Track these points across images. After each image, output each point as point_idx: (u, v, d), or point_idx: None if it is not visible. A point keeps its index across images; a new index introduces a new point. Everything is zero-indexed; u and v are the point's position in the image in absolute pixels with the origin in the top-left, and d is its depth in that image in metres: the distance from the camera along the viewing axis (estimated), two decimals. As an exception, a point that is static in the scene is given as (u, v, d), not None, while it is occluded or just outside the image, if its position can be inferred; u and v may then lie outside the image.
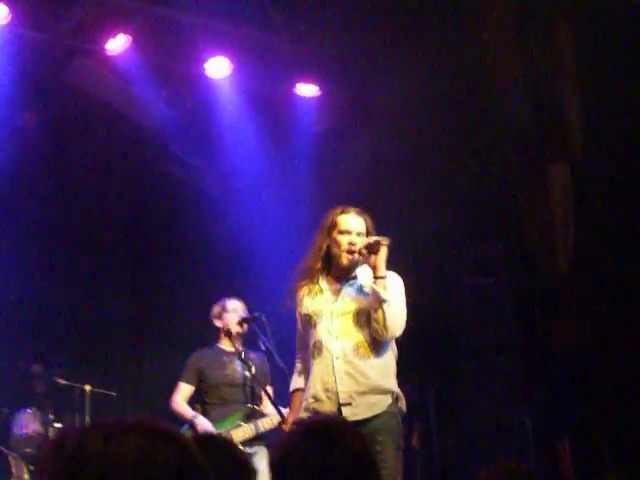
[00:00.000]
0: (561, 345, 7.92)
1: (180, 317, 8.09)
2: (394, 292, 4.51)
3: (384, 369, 4.54)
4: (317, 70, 8.17)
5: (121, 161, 8.28)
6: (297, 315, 4.74)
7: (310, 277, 4.70)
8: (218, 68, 7.82)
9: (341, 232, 4.61)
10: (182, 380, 6.16)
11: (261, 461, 5.45)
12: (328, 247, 4.65)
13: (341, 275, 4.66)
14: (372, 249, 4.45)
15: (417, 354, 7.79)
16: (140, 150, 8.26)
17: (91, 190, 8.35)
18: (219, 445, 2.26)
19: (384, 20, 7.62)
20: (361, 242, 4.52)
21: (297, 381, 4.74)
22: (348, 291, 4.62)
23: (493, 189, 8.08)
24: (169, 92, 7.96)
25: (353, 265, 4.63)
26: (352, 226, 4.61)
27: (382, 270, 4.46)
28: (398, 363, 4.62)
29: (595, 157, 7.72)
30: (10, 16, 6.73)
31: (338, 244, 4.61)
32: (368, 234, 4.60)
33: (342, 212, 4.68)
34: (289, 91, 8.29)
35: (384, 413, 4.47)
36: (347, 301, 4.59)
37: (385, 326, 4.40)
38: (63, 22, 7.27)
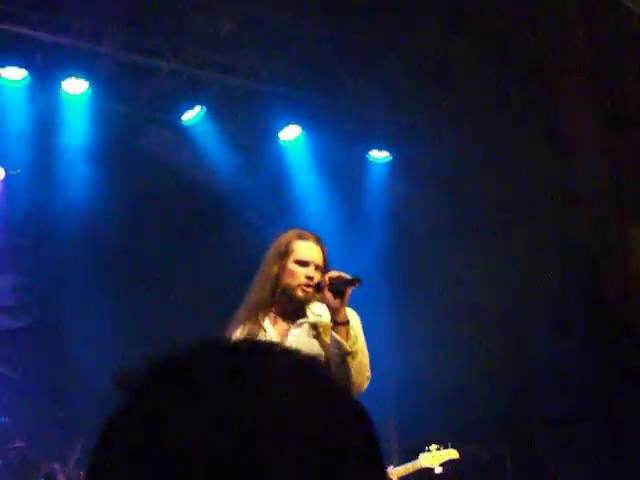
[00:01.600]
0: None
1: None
2: (359, 338, 3.78)
3: None
4: (389, 136, 8.22)
5: (196, 227, 8.40)
6: None
7: (254, 312, 3.92)
8: (291, 135, 7.93)
9: (298, 262, 3.87)
10: None
11: None
12: (278, 277, 3.90)
13: (289, 313, 3.90)
14: (339, 288, 3.69)
15: (493, 421, 7.61)
16: (214, 216, 8.37)
17: (167, 255, 8.47)
18: None
19: (454, 89, 7.65)
20: (328, 276, 3.75)
21: None
22: (297, 334, 3.85)
23: (572, 250, 7.92)
24: (243, 159, 8.09)
25: (307, 301, 3.88)
26: (311, 256, 3.88)
27: (345, 315, 3.74)
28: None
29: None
30: (90, 89, 6.95)
31: (293, 275, 3.86)
32: (324, 268, 3.90)
33: (299, 237, 3.95)
34: (361, 157, 8.35)
35: None
36: (297, 345, 3.68)
37: (349, 383, 3.69)
38: (140, 94, 7.49)
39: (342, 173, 8.36)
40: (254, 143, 8.10)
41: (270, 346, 1.01)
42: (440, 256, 8.12)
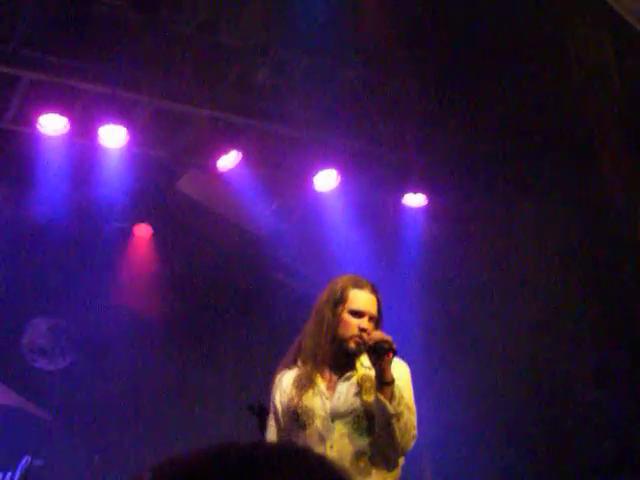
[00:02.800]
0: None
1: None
2: (404, 398, 3.62)
3: None
4: (425, 181, 8.20)
5: (231, 269, 8.44)
6: (272, 407, 3.84)
7: (303, 359, 3.79)
8: (326, 180, 7.94)
9: (352, 312, 3.73)
10: None
11: None
12: (331, 326, 3.75)
13: (339, 363, 3.75)
14: (379, 351, 3.56)
15: (531, 470, 7.48)
16: (250, 259, 8.41)
17: (204, 297, 8.52)
18: None
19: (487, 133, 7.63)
20: (375, 335, 3.62)
21: None
22: (346, 387, 3.72)
23: (610, 296, 7.82)
24: (278, 204, 8.13)
25: (358, 354, 3.72)
26: (366, 307, 3.75)
27: (390, 374, 3.58)
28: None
29: None
30: (128, 136, 7.04)
31: (346, 326, 3.72)
32: (378, 319, 3.79)
33: (355, 285, 3.79)
34: (397, 201, 8.33)
35: None
36: (345, 400, 3.69)
37: (395, 444, 3.58)
38: (176, 141, 7.57)
39: (377, 217, 8.36)
40: (289, 188, 8.14)
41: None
42: (477, 299, 8.06)
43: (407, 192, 8.30)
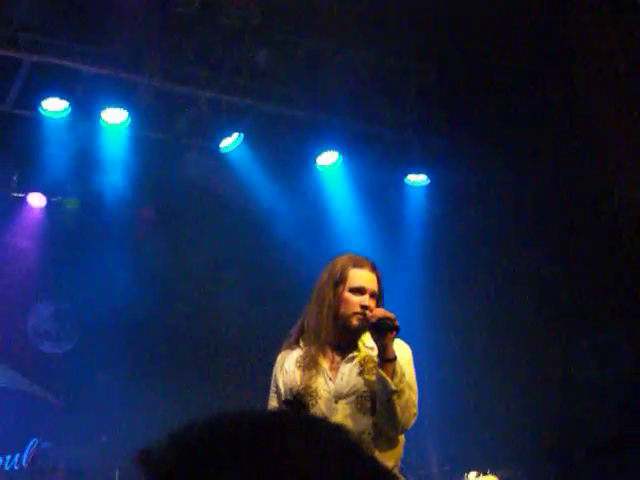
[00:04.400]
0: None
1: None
2: (406, 376, 3.63)
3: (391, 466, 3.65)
4: (427, 161, 8.21)
5: (232, 250, 8.47)
6: (273, 387, 3.84)
7: (306, 339, 3.79)
8: (329, 161, 7.95)
9: (352, 290, 3.71)
10: None
11: None
12: (332, 305, 3.73)
13: (341, 342, 3.75)
14: (382, 328, 3.57)
15: (536, 447, 7.52)
16: (251, 239, 8.43)
17: (208, 277, 8.56)
18: None
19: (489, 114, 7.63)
20: (377, 312, 3.61)
21: None
22: (349, 367, 3.71)
23: (614, 274, 7.83)
24: (281, 185, 8.14)
25: (361, 331, 3.73)
26: (367, 284, 3.72)
27: (392, 351, 3.58)
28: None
29: None
30: (129, 118, 7.05)
31: (347, 304, 3.70)
32: (379, 296, 3.77)
33: (354, 265, 3.76)
34: (399, 181, 8.35)
35: None
36: (348, 380, 3.68)
37: (395, 421, 3.57)
38: (178, 122, 7.58)
39: (380, 197, 8.38)
40: (292, 169, 8.15)
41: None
42: (478, 277, 8.09)
43: (409, 172, 8.32)
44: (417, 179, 8.35)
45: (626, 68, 7.04)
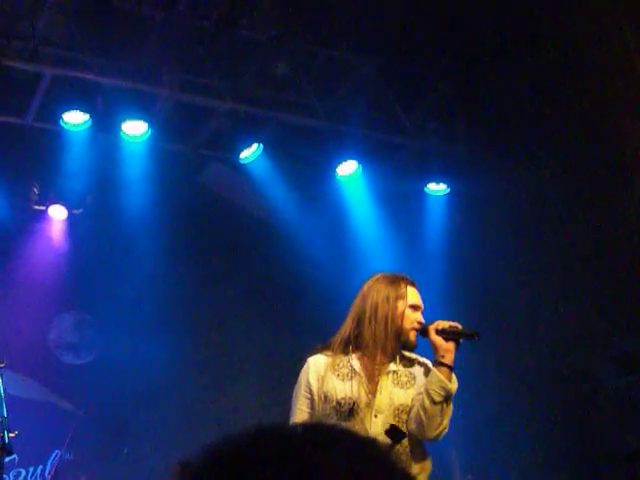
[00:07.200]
0: None
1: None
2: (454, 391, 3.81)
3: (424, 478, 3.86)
4: (447, 170, 8.18)
5: (252, 259, 8.47)
6: (305, 391, 3.94)
7: (361, 353, 3.93)
8: (349, 171, 7.94)
9: (411, 306, 3.98)
10: None
11: None
12: (395, 319, 3.94)
13: (387, 357, 3.93)
14: (453, 337, 3.83)
15: (555, 458, 7.45)
16: (273, 251, 8.44)
17: (228, 290, 8.57)
18: None
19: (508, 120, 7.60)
20: (439, 326, 3.86)
21: None
22: (387, 381, 3.88)
23: (636, 283, 7.76)
24: (301, 195, 8.14)
25: (415, 346, 3.99)
26: (420, 302, 4.04)
27: (452, 359, 3.80)
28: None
29: None
30: (149, 131, 7.08)
31: (408, 319, 3.95)
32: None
33: (409, 282, 4.06)
34: (419, 190, 8.33)
35: None
36: (388, 394, 3.85)
37: (437, 424, 3.74)
38: (198, 134, 7.61)
39: (400, 207, 8.35)
40: (311, 179, 8.15)
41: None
42: (499, 287, 8.04)
43: (429, 181, 8.30)
44: (437, 188, 8.31)
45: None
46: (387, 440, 3.69)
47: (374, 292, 4.00)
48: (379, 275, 4.09)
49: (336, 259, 8.59)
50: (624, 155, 7.40)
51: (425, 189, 8.34)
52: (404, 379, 3.89)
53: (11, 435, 4.81)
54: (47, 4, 6.49)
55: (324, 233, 8.40)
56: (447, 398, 3.73)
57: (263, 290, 8.66)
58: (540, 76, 7.29)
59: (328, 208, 8.36)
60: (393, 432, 3.77)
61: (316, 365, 3.95)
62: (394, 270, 6.77)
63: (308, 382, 3.91)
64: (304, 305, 8.43)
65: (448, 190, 8.31)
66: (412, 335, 3.94)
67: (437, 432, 3.77)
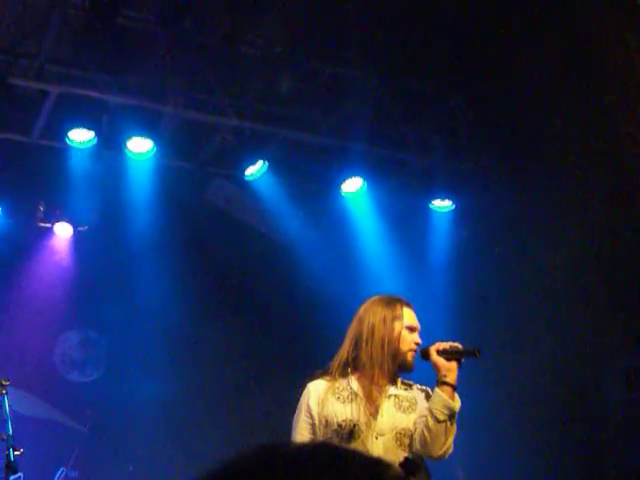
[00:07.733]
0: None
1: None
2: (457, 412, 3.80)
3: None
4: (452, 186, 8.18)
5: (258, 275, 8.48)
6: (305, 416, 3.93)
7: (359, 375, 3.93)
8: (353, 187, 7.95)
9: (407, 328, 3.95)
10: None
11: None
12: (392, 340, 3.93)
13: (386, 379, 3.93)
14: (454, 357, 3.80)
15: (562, 473, 7.42)
16: (278, 267, 8.44)
17: (234, 305, 8.56)
18: None
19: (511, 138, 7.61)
20: (440, 347, 3.83)
21: None
22: (388, 404, 3.88)
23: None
24: (306, 212, 8.15)
25: (413, 367, 3.98)
26: (417, 323, 4.01)
27: (455, 378, 3.78)
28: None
29: None
30: (154, 148, 7.10)
31: (405, 341, 3.93)
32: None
33: (405, 304, 4.03)
34: (424, 206, 8.33)
35: None
36: (389, 417, 3.86)
37: (441, 443, 3.74)
38: (203, 151, 7.63)
39: (405, 223, 8.35)
40: (316, 196, 8.16)
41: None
42: (505, 302, 8.04)
43: (434, 197, 8.30)
44: (442, 204, 8.31)
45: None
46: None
47: (371, 314, 4.00)
48: (375, 297, 4.10)
49: (342, 275, 8.59)
50: (629, 170, 7.41)
51: (430, 205, 8.34)
52: (406, 404, 3.89)
53: (17, 453, 4.81)
54: (53, 22, 6.52)
55: (330, 250, 8.40)
56: (451, 417, 3.72)
57: (268, 306, 8.65)
58: (545, 92, 7.30)
59: (333, 224, 8.36)
60: (407, 464, 3.80)
61: (316, 390, 3.95)
62: (399, 286, 6.86)
63: (309, 406, 3.92)
64: (309, 321, 8.42)
65: (453, 206, 8.31)
66: (409, 356, 3.94)
67: (442, 451, 3.76)
